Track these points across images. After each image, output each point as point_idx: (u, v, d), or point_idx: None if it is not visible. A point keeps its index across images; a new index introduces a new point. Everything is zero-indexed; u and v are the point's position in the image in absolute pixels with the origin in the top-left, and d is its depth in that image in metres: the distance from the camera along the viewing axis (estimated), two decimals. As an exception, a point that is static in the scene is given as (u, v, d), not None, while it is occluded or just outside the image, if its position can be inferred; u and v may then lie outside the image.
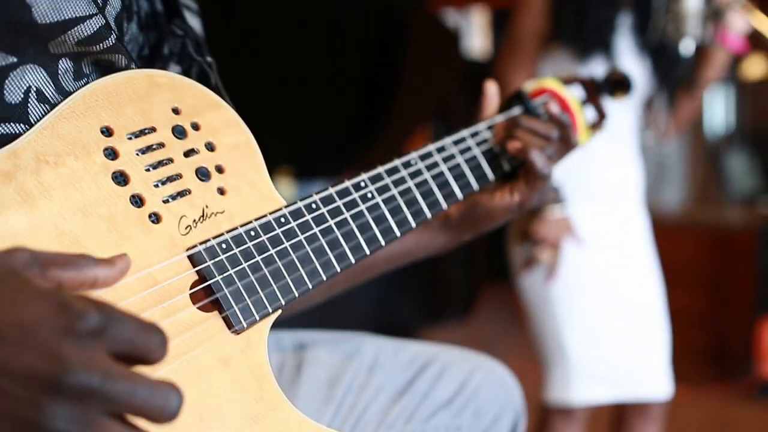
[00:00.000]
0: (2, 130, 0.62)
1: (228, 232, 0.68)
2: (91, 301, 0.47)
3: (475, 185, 0.88)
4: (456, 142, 0.88)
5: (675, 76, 1.90)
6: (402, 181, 0.82)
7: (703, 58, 1.88)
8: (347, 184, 0.77)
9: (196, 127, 0.69)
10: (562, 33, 1.78)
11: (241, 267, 0.67)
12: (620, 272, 1.88)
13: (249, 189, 0.71)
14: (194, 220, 0.66)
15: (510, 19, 1.93)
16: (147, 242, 0.62)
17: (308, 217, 0.73)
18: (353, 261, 0.75)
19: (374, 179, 0.80)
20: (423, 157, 0.85)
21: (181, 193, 0.66)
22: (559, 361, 1.85)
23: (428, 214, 0.83)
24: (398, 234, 0.80)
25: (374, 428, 0.88)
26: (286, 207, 0.72)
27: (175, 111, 0.68)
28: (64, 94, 0.65)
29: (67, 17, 0.63)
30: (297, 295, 0.70)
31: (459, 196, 0.87)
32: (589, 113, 1.05)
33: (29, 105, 0.63)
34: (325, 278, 0.72)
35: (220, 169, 0.70)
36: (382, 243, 0.78)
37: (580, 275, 1.84)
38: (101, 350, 0.46)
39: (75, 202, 0.59)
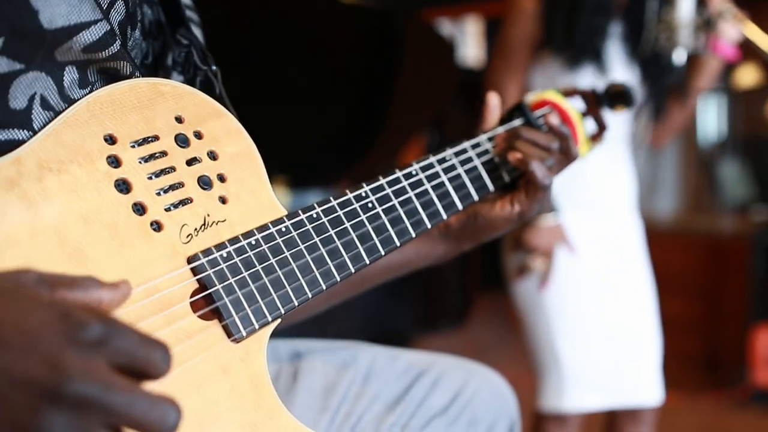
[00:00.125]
0: (5, 136, 0.62)
1: (229, 240, 0.68)
2: (94, 312, 0.47)
3: (475, 196, 0.89)
4: (457, 153, 0.89)
5: (666, 86, 1.92)
6: (403, 191, 0.83)
7: (695, 67, 1.90)
8: (349, 195, 0.78)
9: (198, 135, 0.69)
10: (553, 41, 1.79)
11: (241, 276, 0.67)
12: (613, 280, 1.89)
13: (250, 198, 0.72)
14: (195, 229, 0.66)
15: (501, 27, 1.94)
16: (148, 250, 0.63)
17: (309, 226, 0.73)
18: (353, 270, 0.76)
19: (375, 190, 0.80)
20: (424, 168, 0.86)
21: (183, 202, 0.67)
22: (552, 368, 1.86)
23: (428, 225, 0.84)
24: (398, 244, 0.80)
25: (370, 436, 0.88)
26: (287, 217, 0.73)
27: (178, 119, 0.68)
28: (69, 101, 0.65)
29: (72, 22, 0.64)
30: (297, 304, 0.70)
31: (459, 207, 0.87)
32: (590, 125, 1.06)
33: (33, 111, 0.64)
34: (325, 287, 0.73)
35: (221, 178, 0.70)
36: (382, 253, 0.79)
37: (572, 283, 1.85)
38: (102, 361, 0.46)
39: (77, 210, 0.59)
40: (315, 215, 0.74)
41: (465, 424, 0.91)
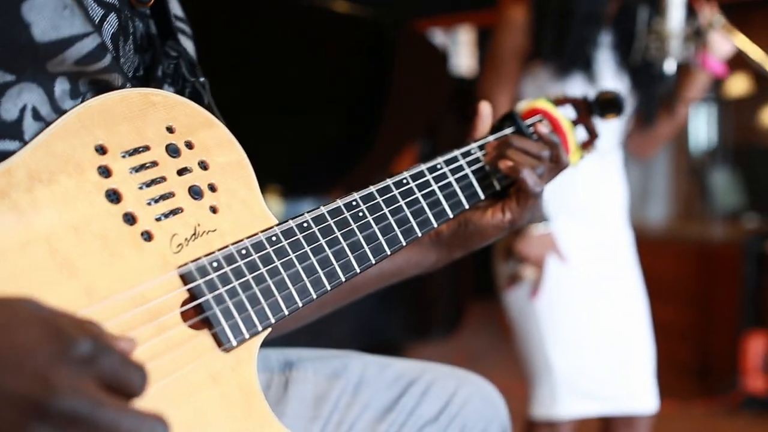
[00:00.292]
0: None
1: (219, 250, 0.68)
2: (83, 329, 0.48)
3: (465, 204, 0.90)
4: (448, 162, 0.90)
5: (656, 95, 1.93)
6: (394, 200, 0.83)
7: (685, 77, 1.91)
8: (339, 203, 0.78)
9: (189, 145, 0.70)
10: (543, 51, 1.80)
11: (231, 285, 0.67)
12: (604, 288, 1.89)
13: (241, 207, 0.72)
14: (186, 239, 0.66)
15: (491, 37, 1.96)
16: (139, 260, 0.63)
17: (300, 236, 0.73)
18: (344, 279, 0.76)
19: (366, 199, 0.81)
20: (414, 177, 0.86)
21: (174, 212, 0.67)
22: (545, 376, 1.86)
23: (419, 233, 0.84)
24: (389, 253, 0.81)
25: (362, 445, 0.88)
26: (277, 226, 0.73)
27: (170, 129, 0.69)
28: (60, 112, 0.66)
29: (64, 35, 0.64)
30: (287, 313, 0.70)
31: (450, 215, 0.88)
32: (580, 133, 1.06)
33: (25, 122, 0.64)
34: (315, 296, 0.73)
35: (212, 188, 0.70)
36: (373, 261, 0.79)
37: (564, 291, 1.85)
38: (90, 377, 0.46)
39: (68, 220, 0.59)
40: (305, 224, 0.74)
41: (456, 432, 0.92)
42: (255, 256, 0.70)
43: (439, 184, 0.88)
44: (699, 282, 3.92)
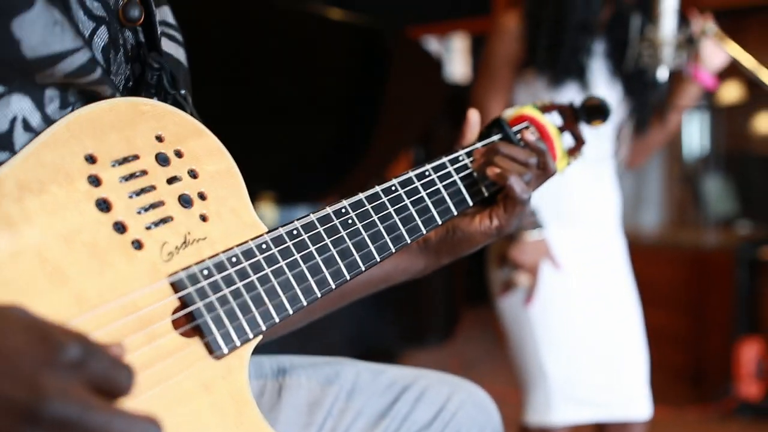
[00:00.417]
0: None
1: (210, 258, 0.68)
2: (71, 333, 0.48)
3: (454, 210, 0.90)
4: (436, 169, 0.90)
5: (649, 103, 1.94)
6: (383, 207, 0.83)
7: (676, 85, 1.92)
8: (328, 210, 0.78)
9: (179, 154, 0.70)
10: (537, 60, 1.81)
11: (222, 293, 0.67)
12: (598, 294, 1.90)
13: (231, 216, 0.72)
14: (176, 247, 0.67)
15: (485, 45, 1.96)
16: (129, 268, 0.63)
17: (289, 243, 0.74)
18: (334, 286, 0.76)
19: (355, 206, 0.81)
20: (403, 184, 0.86)
21: (164, 220, 0.67)
22: (539, 383, 1.86)
23: (408, 240, 0.85)
24: (378, 260, 0.81)
25: (355, 452, 0.88)
26: (267, 233, 0.73)
27: (159, 138, 0.69)
28: (50, 122, 0.66)
29: (55, 51, 0.64)
30: (278, 320, 0.71)
31: (438, 222, 0.88)
32: (567, 139, 1.07)
33: (15, 134, 0.64)
34: (305, 304, 0.73)
35: (202, 196, 0.70)
36: (363, 269, 0.79)
37: (558, 298, 1.86)
38: (79, 381, 0.46)
39: (58, 229, 0.60)
40: (295, 231, 0.75)
41: (449, 438, 0.92)
42: (245, 264, 0.70)
43: (428, 190, 0.88)
44: (692, 288, 3.93)
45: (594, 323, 1.88)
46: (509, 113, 1.02)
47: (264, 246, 0.72)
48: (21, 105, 0.64)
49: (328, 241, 0.77)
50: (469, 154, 0.94)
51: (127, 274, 0.63)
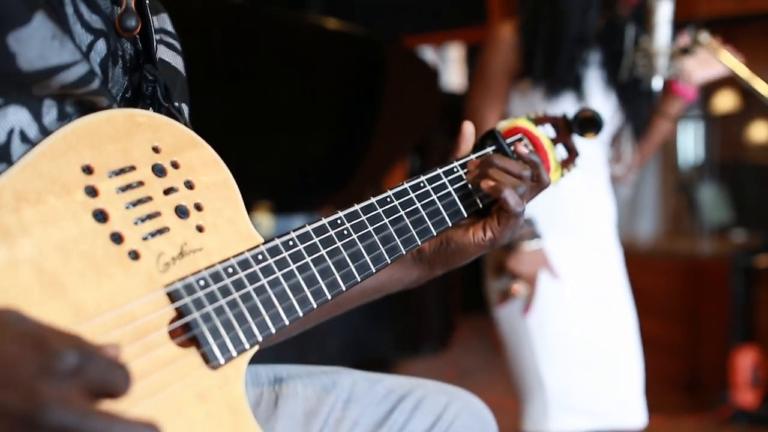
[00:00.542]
0: None
1: (206, 268, 0.68)
2: (69, 340, 0.48)
3: (448, 222, 0.91)
4: (430, 180, 0.91)
5: (644, 113, 1.95)
6: (378, 218, 0.84)
7: (661, 98, 1.94)
8: (324, 221, 0.79)
9: (175, 165, 0.70)
10: (533, 71, 1.82)
11: (218, 303, 0.67)
12: (595, 303, 1.90)
13: (227, 226, 0.72)
14: (173, 258, 0.67)
15: (480, 55, 1.97)
16: (126, 279, 0.63)
17: (285, 254, 0.74)
18: (329, 297, 0.76)
19: (351, 216, 0.81)
20: (398, 195, 0.87)
21: (160, 231, 0.67)
22: (536, 392, 1.86)
23: (403, 251, 0.85)
24: (374, 270, 0.81)
25: (351, 462, 0.88)
26: (263, 244, 0.73)
27: (155, 150, 0.69)
28: (48, 133, 0.66)
29: (51, 65, 0.64)
30: (274, 331, 0.71)
31: (433, 233, 0.89)
32: (561, 151, 1.07)
33: (12, 145, 0.64)
34: (301, 314, 0.73)
35: (198, 207, 0.71)
36: (358, 279, 0.80)
37: (555, 307, 1.86)
38: (77, 388, 0.46)
39: (55, 240, 0.60)
40: (291, 242, 0.75)
41: (446, 448, 0.92)
42: (241, 274, 0.70)
43: (423, 202, 0.89)
44: (688, 297, 3.94)
45: (591, 332, 1.88)
46: (503, 125, 1.02)
47: (260, 256, 0.72)
48: (18, 117, 0.65)
49: (323, 251, 0.77)
50: (463, 166, 0.95)
51: (123, 285, 0.63)
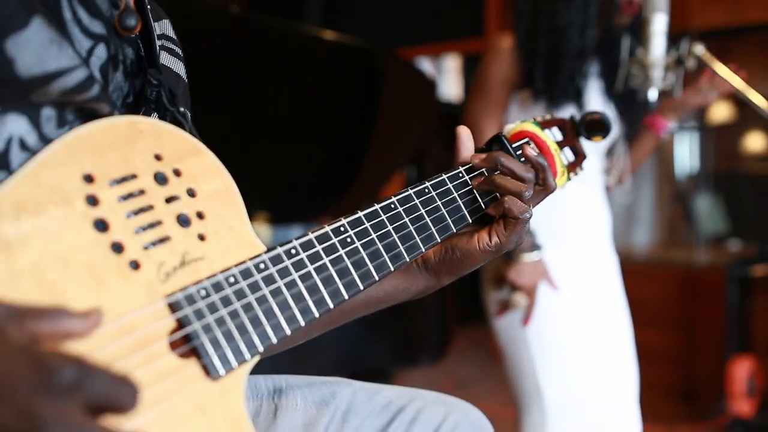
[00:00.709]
0: None
1: (207, 278, 0.68)
2: (65, 356, 0.47)
3: (453, 228, 0.89)
4: (435, 186, 0.89)
5: (640, 123, 1.96)
6: (382, 225, 0.82)
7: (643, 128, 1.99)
8: (327, 229, 0.78)
9: (177, 173, 0.69)
10: (534, 87, 1.82)
11: (219, 314, 0.67)
12: (593, 313, 1.90)
13: (229, 235, 0.72)
14: (174, 267, 0.66)
15: (479, 66, 1.97)
16: (126, 289, 0.62)
17: (288, 262, 0.73)
18: (332, 306, 0.75)
19: (354, 224, 0.80)
20: (402, 202, 0.86)
21: (162, 240, 0.66)
22: (535, 401, 1.86)
23: (407, 258, 0.84)
24: (377, 279, 0.80)
25: (351, 474, 0.88)
26: (265, 252, 0.72)
27: (157, 157, 0.68)
28: (47, 141, 0.65)
29: (50, 70, 0.64)
30: (276, 341, 0.70)
31: (438, 239, 0.87)
32: (568, 154, 1.06)
33: (11, 153, 0.64)
34: (303, 324, 0.72)
35: (200, 215, 0.70)
36: (361, 288, 0.78)
37: (554, 318, 1.86)
38: (76, 405, 0.46)
39: (55, 250, 0.59)
40: (293, 250, 0.74)
41: (445, 459, 0.91)
42: (243, 284, 0.69)
43: (427, 208, 0.87)
44: (684, 306, 3.94)
45: (589, 342, 1.88)
46: (509, 128, 1.01)
47: (262, 265, 0.71)
48: (17, 125, 0.64)
49: (326, 260, 0.76)
50: (468, 171, 0.93)
51: (124, 295, 0.62)
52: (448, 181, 0.91)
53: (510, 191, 0.89)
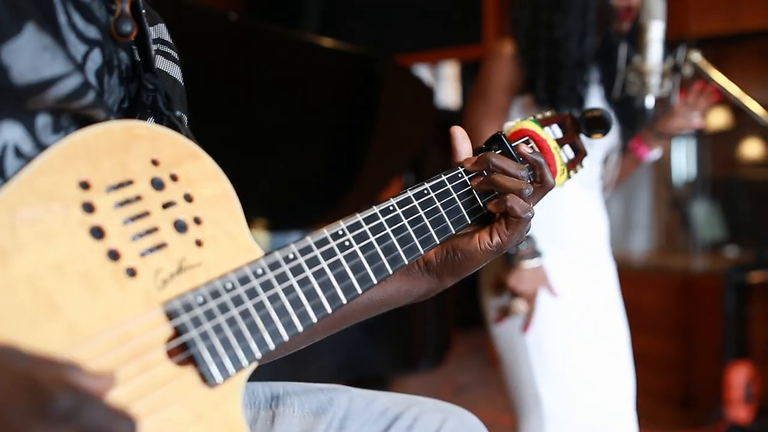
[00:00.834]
0: None
1: (205, 285, 0.67)
2: (62, 383, 0.46)
3: (452, 229, 0.88)
4: (434, 187, 0.89)
5: (637, 130, 1.97)
6: (380, 228, 0.81)
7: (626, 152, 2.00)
8: (326, 233, 0.77)
9: (174, 178, 0.68)
10: (536, 95, 1.83)
11: (217, 321, 0.66)
12: (591, 320, 1.90)
13: (227, 240, 0.71)
14: (171, 274, 0.65)
15: (480, 71, 1.97)
16: (123, 297, 0.62)
17: (285, 267, 0.72)
18: (330, 311, 0.75)
19: (352, 227, 0.79)
20: (401, 204, 0.85)
21: (159, 246, 0.66)
22: (533, 408, 1.86)
23: (405, 261, 0.83)
24: (375, 282, 0.79)
25: (348, 481, 0.87)
26: (263, 258, 0.72)
27: (154, 162, 0.67)
28: (42, 148, 0.65)
29: (45, 77, 0.63)
30: (273, 347, 0.69)
31: (437, 241, 0.87)
32: (568, 151, 1.05)
33: (6, 161, 0.63)
34: (301, 329, 0.72)
35: (197, 221, 0.69)
36: (359, 292, 0.78)
37: (554, 324, 1.85)
38: None
39: (50, 259, 0.58)
40: (291, 255, 0.73)
41: (442, 465, 0.91)
42: (240, 290, 0.69)
43: (426, 209, 0.86)
44: (681, 313, 3.94)
45: (588, 344, 1.88)
46: (509, 126, 1.00)
47: (259, 271, 0.70)
48: (11, 132, 0.63)
49: (324, 264, 0.75)
50: (466, 171, 0.92)
51: (120, 303, 0.61)
52: (447, 182, 0.90)
53: (510, 189, 0.88)
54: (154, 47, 0.81)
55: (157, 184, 0.67)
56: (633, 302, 2.10)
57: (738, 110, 2.33)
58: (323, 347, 1.02)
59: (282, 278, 0.72)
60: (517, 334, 1.85)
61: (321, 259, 0.75)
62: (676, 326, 3.93)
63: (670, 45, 1.83)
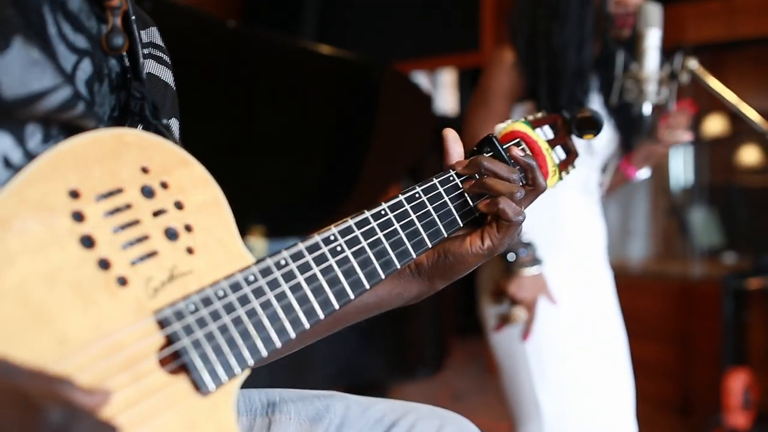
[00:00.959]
0: None
1: (196, 292, 0.67)
2: (53, 397, 0.46)
3: (444, 232, 0.88)
4: (426, 191, 0.88)
5: (634, 137, 1.97)
6: (372, 232, 0.81)
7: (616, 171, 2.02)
8: (317, 238, 0.77)
9: (164, 185, 0.68)
10: (537, 103, 1.83)
11: (209, 329, 0.66)
12: (590, 327, 1.89)
13: (218, 247, 0.71)
14: (162, 282, 0.65)
15: (481, 77, 1.97)
16: (113, 306, 0.61)
17: (277, 274, 0.72)
18: (322, 317, 0.74)
19: (344, 232, 0.79)
20: (393, 208, 0.85)
21: (149, 255, 0.65)
22: (533, 416, 1.85)
23: (398, 265, 0.83)
24: (367, 286, 0.79)
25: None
26: (255, 264, 0.72)
27: (144, 170, 0.67)
28: (32, 157, 0.64)
29: (34, 90, 0.63)
30: (266, 354, 0.69)
31: (428, 245, 0.86)
32: (560, 152, 1.05)
33: None
34: (293, 336, 0.72)
35: (188, 228, 0.69)
36: (352, 297, 0.78)
37: (553, 332, 1.85)
38: None
39: (40, 269, 0.58)
40: (283, 261, 0.73)
41: (439, 472, 0.91)
42: (232, 297, 0.68)
43: (418, 213, 0.86)
44: (679, 319, 3.94)
45: (587, 347, 1.88)
46: (500, 128, 1.00)
47: (251, 278, 0.70)
48: (1, 142, 0.63)
49: (316, 270, 0.75)
50: (458, 174, 0.92)
51: (111, 312, 0.61)
52: (439, 186, 0.90)
53: (501, 193, 0.88)
54: (145, 51, 0.80)
55: (147, 192, 0.67)
56: (631, 309, 2.10)
57: (735, 117, 2.34)
58: (321, 354, 1.01)
59: (274, 284, 0.71)
60: (517, 342, 1.85)
61: (313, 264, 0.75)
62: (674, 333, 3.93)
63: (667, 52, 1.83)
